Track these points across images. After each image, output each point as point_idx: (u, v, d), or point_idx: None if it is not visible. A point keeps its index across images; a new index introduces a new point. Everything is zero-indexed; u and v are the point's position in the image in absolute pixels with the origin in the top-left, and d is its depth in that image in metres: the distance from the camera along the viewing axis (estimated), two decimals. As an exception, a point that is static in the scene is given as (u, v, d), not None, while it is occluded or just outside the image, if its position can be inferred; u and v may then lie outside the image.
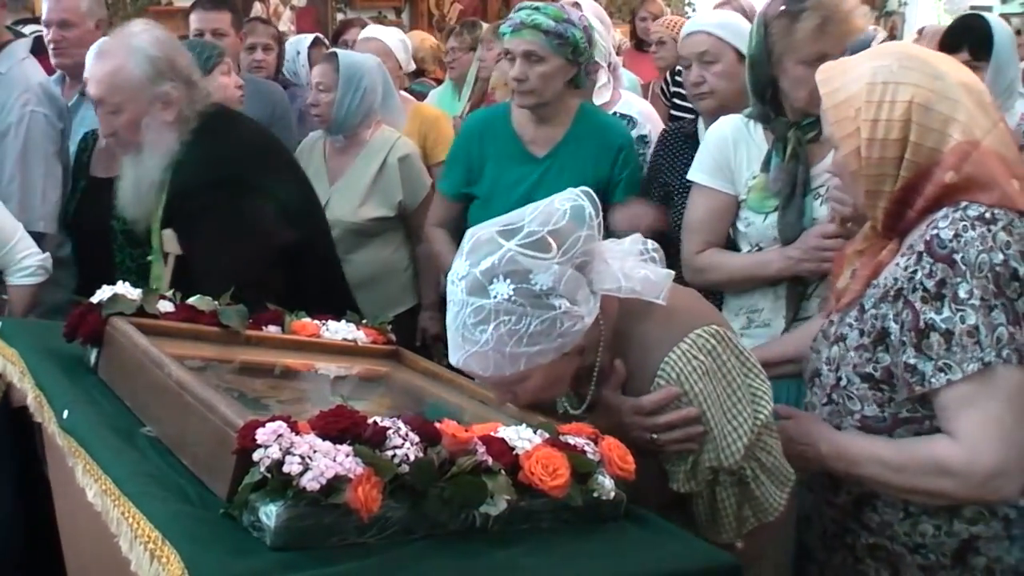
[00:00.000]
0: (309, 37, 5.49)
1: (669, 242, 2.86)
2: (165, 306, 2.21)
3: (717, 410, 1.87)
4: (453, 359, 1.83)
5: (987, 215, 1.83)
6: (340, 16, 8.84)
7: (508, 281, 1.74)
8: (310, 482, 1.43)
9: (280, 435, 1.47)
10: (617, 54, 4.37)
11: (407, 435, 1.54)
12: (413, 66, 5.00)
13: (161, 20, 7.35)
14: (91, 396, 2.00)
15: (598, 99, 3.67)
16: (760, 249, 2.73)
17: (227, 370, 2.11)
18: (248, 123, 3.10)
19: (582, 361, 1.90)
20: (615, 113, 3.64)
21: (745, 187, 2.75)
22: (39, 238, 3.30)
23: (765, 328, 2.71)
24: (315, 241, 3.01)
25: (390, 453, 1.51)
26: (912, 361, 1.85)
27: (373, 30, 4.83)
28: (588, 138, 3.23)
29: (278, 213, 2.75)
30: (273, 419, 1.50)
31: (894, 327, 1.88)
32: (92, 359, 2.13)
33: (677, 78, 4.31)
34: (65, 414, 1.91)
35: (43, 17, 3.75)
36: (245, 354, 2.21)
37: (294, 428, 1.50)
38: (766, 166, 2.71)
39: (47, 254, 3.14)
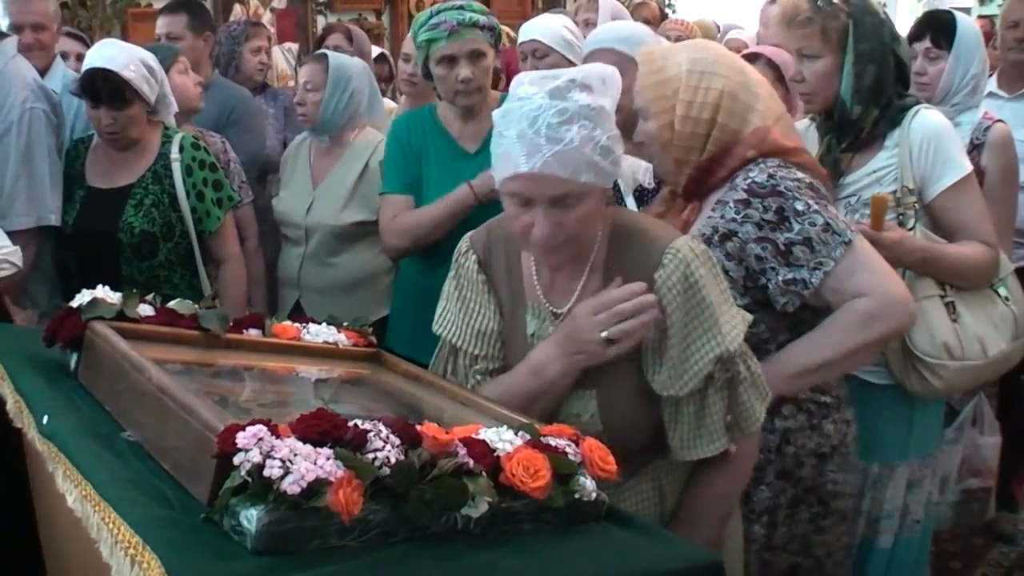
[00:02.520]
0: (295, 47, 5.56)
1: None
2: (145, 310, 2.21)
3: (718, 296, 1.98)
4: (528, 165, 1.85)
5: (782, 164, 2.28)
6: (320, 19, 8.82)
7: (584, 92, 1.87)
8: (291, 485, 1.43)
9: (260, 439, 1.47)
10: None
11: (388, 438, 1.54)
12: None
13: (140, 22, 7.38)
14: (71, 401, 1.99)
15: None
16: None
17: (207, 374, 2.11)
18: None
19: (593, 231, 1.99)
20: None
21: None
22: (47, 232, 3.30)
23: None
24: None
25: (371, 456, 1.51)
26: (789, 275, 2.24)
27: None
28: None
29: None
30: (253, 423, 1.50)
31: (729, 264, 2.26)
32: (72, 363, 2.12)
33: None
34: (45, 419, 1.90)
35: (9, 20, 3.75)
36: (225, 358, 2.20)
37: (274, 431, 1.50)
38: None
39: (16, 248, 3.11)
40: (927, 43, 3.56)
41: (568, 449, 1.71)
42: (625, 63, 2.90)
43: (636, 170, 2.05)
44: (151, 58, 3.32)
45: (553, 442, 1.72)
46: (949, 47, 3.53)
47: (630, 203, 2.86)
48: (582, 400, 2.04)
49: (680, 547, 1.74)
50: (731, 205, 2.28)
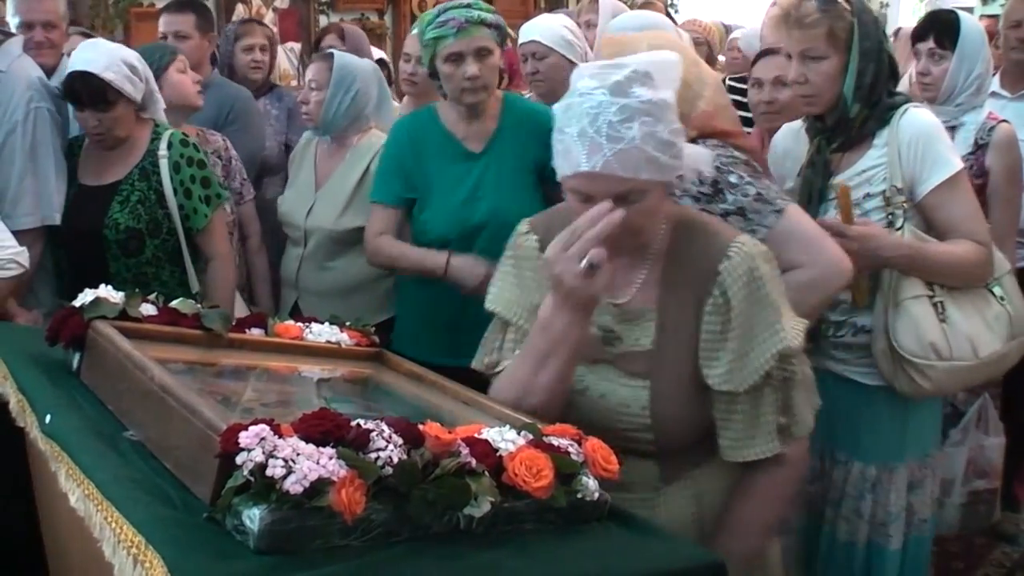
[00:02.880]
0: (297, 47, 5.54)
1: None
2: (148, 309, 2.21)
3: (779, 295, 2.00)
4: (589, 164, 1.84)
5: (720, 144, 2.42)
6: (323, 18, 8.82)
7: (645, 87, 1.85)
8: (293, 485, 1.43)
9: (263, 438, 1.47)
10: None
11: (390, 437, 1.54)
12: None
13: (142, 22, 7.37)
14: (74, 400, 1.99)
15: None
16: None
17: (210, 373, 2.11)
18: None
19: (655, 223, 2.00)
20: None
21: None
22: (49, 231, 3.30)
23: None
24: None
25: (373, 455, 1.51)
26: None
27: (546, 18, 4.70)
28: (519, 126, 3.21)
29: None
30: (256, 422, 1.50)
31: None
32: (75, 363, 2.13)
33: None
34: (48, 418, 1.90)
35: (20, 18, 3.75)
36: (228, 357, 2.20)
37: (277, 431, 1.50)
38: (803, 171, 2.81)
39: (23, 248, 3.11)
40: (931, 43, 3.56)
41: (571, 449, 1.71)
42: (545, 50, 3.02)
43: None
44: (134, 56, 3.31)
45: (555, 442, 1.71)
46: (953, 47, 3.52)
47: None
48: (633, 390, 2.01)
49: (682, 547, 1.74)
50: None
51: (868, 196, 2.73)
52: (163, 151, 3.29)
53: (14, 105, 3.30)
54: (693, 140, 2.32)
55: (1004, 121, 3.46)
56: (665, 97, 1.88)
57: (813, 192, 2.75)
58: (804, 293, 2.31)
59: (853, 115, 2.72)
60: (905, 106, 2.75)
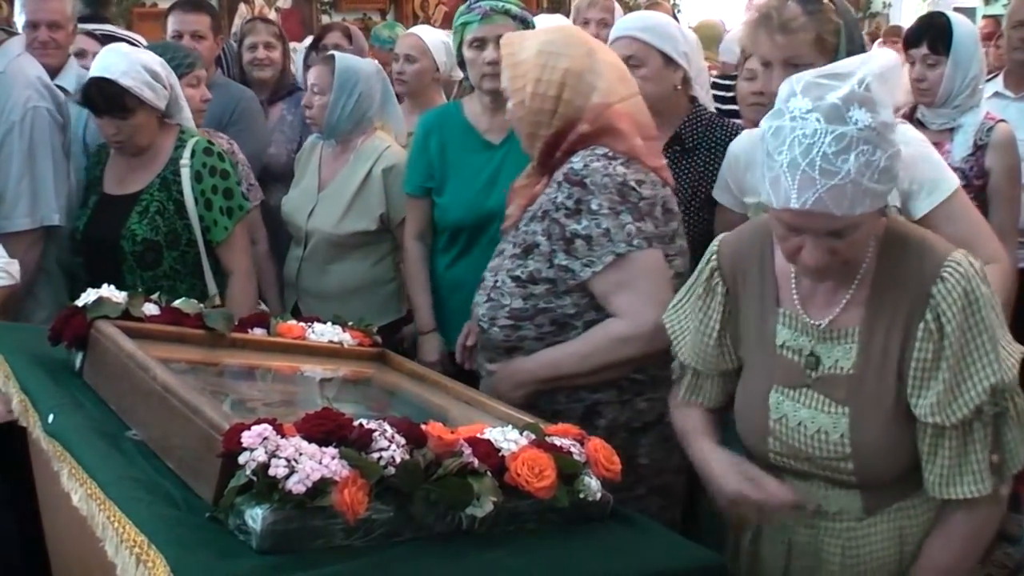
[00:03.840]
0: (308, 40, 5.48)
1: None
2: (150, 309, 2.21)
3: (996, 319, 1.82)
4: (799, 201, 1.70)
5: (610, 154, 2.33)
6: (325, 18, 8.82)
7: (864, 109, 1.71)
8: (296, 485, 1.43)
9: (266, 438, 1.47)
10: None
11: (393, 437, 1.54)
12: (459, 71, 4.77)
13: (145, 21, 7.38)
14: (76, 400, 1.99)
15: None
16: None
17: (212, 373, 2.11)
18: None
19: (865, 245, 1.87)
20: None
21: (751, 205, 2.60)
22: (53, 232, 3.27)
23: None
24: None
25: (376, 455, 1.51)
26: (564, 263, 2.32)
27: (418, 28, 4.70)
28: None
29: None
30: (259, 422, 1.50)
31: (542, 240, 2.35)
32: (77, 363, 2.13)
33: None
34: (50, 418, 1.90)
35: (26, 17, 3.74)
36: (230, 357, 2.21)
37: (280, 431, 1.50)
38: None
39: (13, 260, 3.08)
40: (924, 49, 3.55)
41: (573, 449, 1.71)
42: (647, 52, 2.96)
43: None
44: (157, 62, 3.23)
45: (558, 442, 1.72)
46: (947, 51, 3.52)
47: None
48: (833, 416, 1.88)
49: (685, 547, 1.74)
50: (554, 185, 2.38)
51: None
52: (185, 160, 3.19)
53: (11, 106, 3.27)
54: (588, 135, 2.37)
55: (1002, 121, 3.45)
56: (885, 119, 1.72)
57: None
58: (615, 346, 2.30)
59: None
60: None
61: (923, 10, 10.62)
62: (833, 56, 2.38)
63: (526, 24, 3.25)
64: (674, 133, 3.02)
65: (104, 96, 3.12)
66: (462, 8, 3.28)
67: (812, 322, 1.92)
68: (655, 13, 3.42)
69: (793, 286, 1.95)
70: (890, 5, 11.66)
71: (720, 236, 2.10)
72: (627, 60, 2.91)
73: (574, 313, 2.35)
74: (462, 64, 3.26)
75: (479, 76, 3.17)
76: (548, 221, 2.35)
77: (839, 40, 2.43)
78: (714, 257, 2.05)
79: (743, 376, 2.03)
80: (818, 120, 1.70)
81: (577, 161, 2.34)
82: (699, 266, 2.09)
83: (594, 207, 2.30)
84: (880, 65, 1.76)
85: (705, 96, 3.20)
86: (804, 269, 1.85)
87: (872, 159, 1.70)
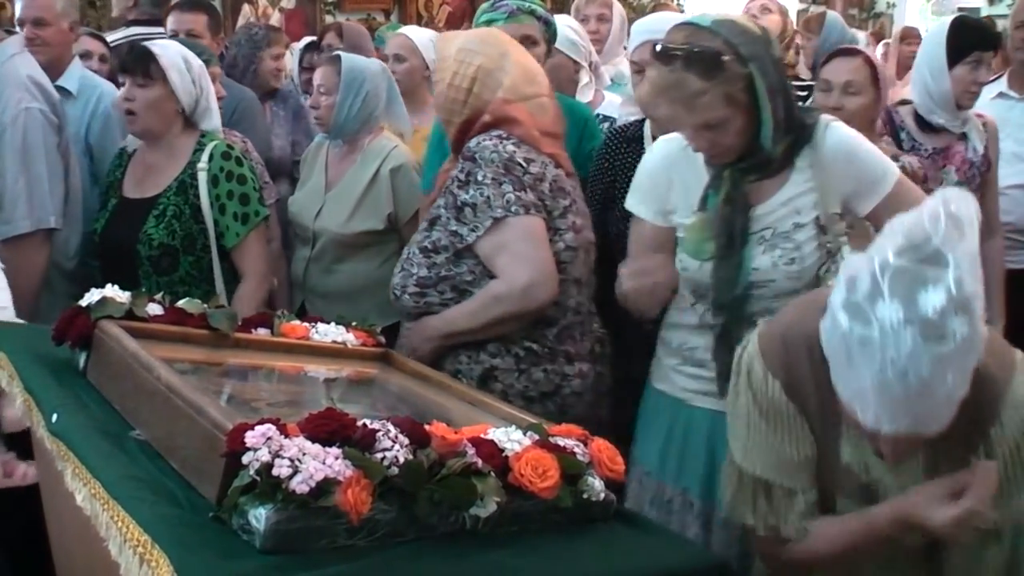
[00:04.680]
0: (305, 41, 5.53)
1: (612, 246, 2.84)
2: (154, 309, 2.21)
3: None
4: (892, 427, 1.57)
5: (503, 135, 2.60)
6: (329, 18, 8.83)
7: (962, 316, 1.51)
8: (299, 485, 1.43)
9: (269, 438, 1.47)
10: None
11: (397, 437, 1.54)
12: None
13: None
14: (80, 400, 1.99)
15: (581, 99, 3.68)
16: (699, 297, 2.43)
17: (216, 373, 2.11)
18: None
19: None
20: (597, 115, 3.65)
21: (681, 225, 2.44)
22: (51, 235, 3.25)
23: (699, 368, 2.45)
24: None
25: (380, 455, 1.51)
26: (454, 228, 2.56)
27: (407, 28, 4.74)
28: None
29: None
30: (262, 422, 1.50)
31: (443, 211, 2.61)
32: (81, 363, 2.13)
33: None
34: (54, 418, 1.90)
35: (18, 15, 3.74)
36: (234, 357, 2.21)
37: (283, 431, 1.50)
38: (704, 204, 2.39)
39: (4, 288, 2.99)
40: (992, 54, 3.62)
41: (576, 449, 1.71)
42: None
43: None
44: (198, 64, 3.23)
45: (562, 442, 1.71)
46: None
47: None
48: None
49: (688, 547, 1.74)
50: (457, 164, 2.66)
51: (798, 227, 2.35)
52: (203, 163, 3.15)
53: (1, 107, 3.23)
54: (489, 123, 2.62)
55: (979, 114, 3.67)
56: (978, 312, 1.54)
57: (735, 233, 2.34)
58: (494, 304, 2.52)
59: (775, 153, 2.34)
60: (824, 121, 2.41)
61: (927, 11, 10.62)
62: (753, 101, 2.26)
63: (549, 25, 3.30)
64: None
65: (134, 55, 3.16)
66: (485, 6, 3.34)
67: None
68: (673, 14, 3.45)
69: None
70: (894, 5, 11.66)
71: (757, 346, 1.90)
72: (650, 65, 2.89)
73: (471, 280, 2.57)
74: None
75: None
76: (447, 194, 2.63)
77: (754, 89, 2.25)
78: (769, 378, 1.86)
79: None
80: (914, 337, 1.50)
81: (473, 141, 2.62)
82: (754, 387, 1.88)
83: (479, 178, 2.55)
84: (963, 252, 1.55)
85: None
86: (886, 459, 1.73)
87: (966, 366, 1.55)
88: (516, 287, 2.50)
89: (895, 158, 3.14)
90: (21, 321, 2.80)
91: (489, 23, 3.25)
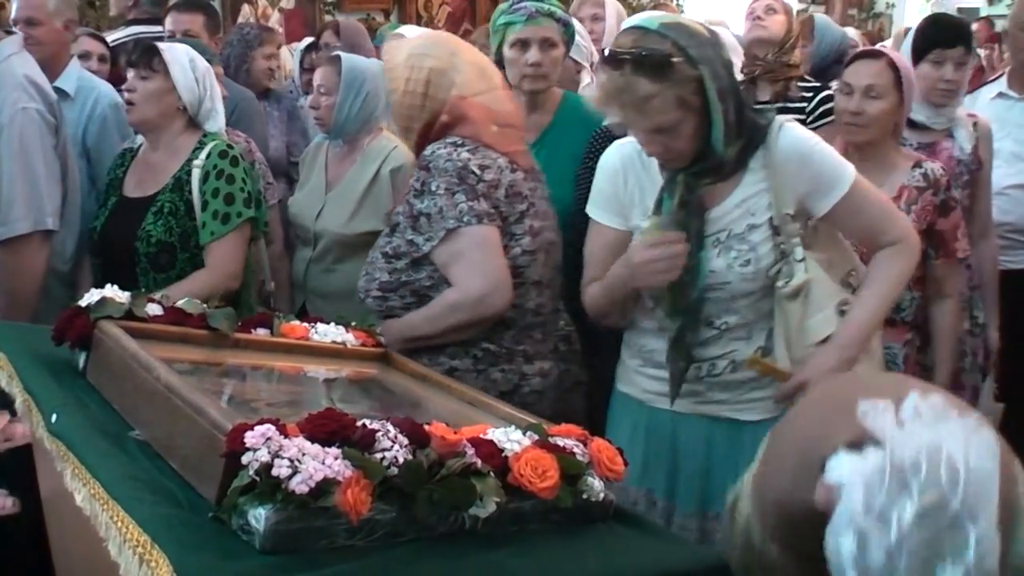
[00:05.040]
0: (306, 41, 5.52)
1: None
2: (153, 309, 2.21)
3: None
4: None
5: (457, 142, 2.59)
6: (328, 18, 8.83)
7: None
8: (299, 485, 1.43)
9: (269, 438, 1.47)
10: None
11: (396, 437, 1.54)
12: None
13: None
14: (80, 400, 1.99)
15: None
16: (657, 300, 2.45)
17: (216, 373, 2.11)
18: None
19: None
20: None
21: (637, 228, 2.47)
22: (48, 236, 3.23)
23: (660, 369, 2.48)
24: None
25: (379, 455, 1.51)
26: (411, 237, 2.57)
27: (404, 27, 4.72)
28: (572, 123, 3.29)
29: None
30: (262, 422, 1.50)
31: (402, 219, 2.62)
32: (81, 363, 2.13)
33: None
34: (54, 418, 1.91)
35: (12, 16, 3.72)
36: (234, 357, 2.21)
37: (283, 431, 1.50)
38: (658, 208, 2.40)
39: None
40: (961, 51, 3.57)
41: (576, 449, 1.71)
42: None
43: None
44: (204, 66, 3.23)
45: (561, 442, 1.71)
46: (970, 53, 3.61)
47: None
48: None
49: (687, 548, 1.74)
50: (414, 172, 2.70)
51: (752, 228, 2.36)
52: (199, 160, 3.15)
53: None
54: (447, 125, 2.63)
55: (971, 114, 3.68)
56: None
57: (691, 237, 2.34)
58: (450, 312, 2.53)
59: (728, 156, 2.33)
60: (778, 122, 2.38)
61: (927, 11, 10.61)
62: (704, 104, 2.25)
63: (567, 27, 3.33)
64: None
65: (139, 48, 3.19)
66: (503, 7, 3.35)
67: None
68: (667, 15, 3.39)
69: None
70: (893, 6, 11.67)
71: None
72: None
73: (430, 285, 2.57)
74: (499, 64, 3.29)
75: (519, 76, 3.24)
76: (405, 203, 2.66)
77: (705, 90, 2.24)
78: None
79: None
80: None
81: (428, 150, 2.62)
82: None
83: (434, 188, 2.56)
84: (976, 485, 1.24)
85: None
86: None
87: None
88: (470, 296, 2.52)
89: (918, 164, 3.14)
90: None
91: (508, 25, 3.27)
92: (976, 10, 10.32)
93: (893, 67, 3.20)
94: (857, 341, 2.40)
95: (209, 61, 3.51)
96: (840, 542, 1.23)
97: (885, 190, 3.08)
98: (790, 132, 2.38)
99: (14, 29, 3.60)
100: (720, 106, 2.26)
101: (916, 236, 2.52)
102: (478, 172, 2.56)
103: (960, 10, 9.21)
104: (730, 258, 2.35)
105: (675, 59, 2.21)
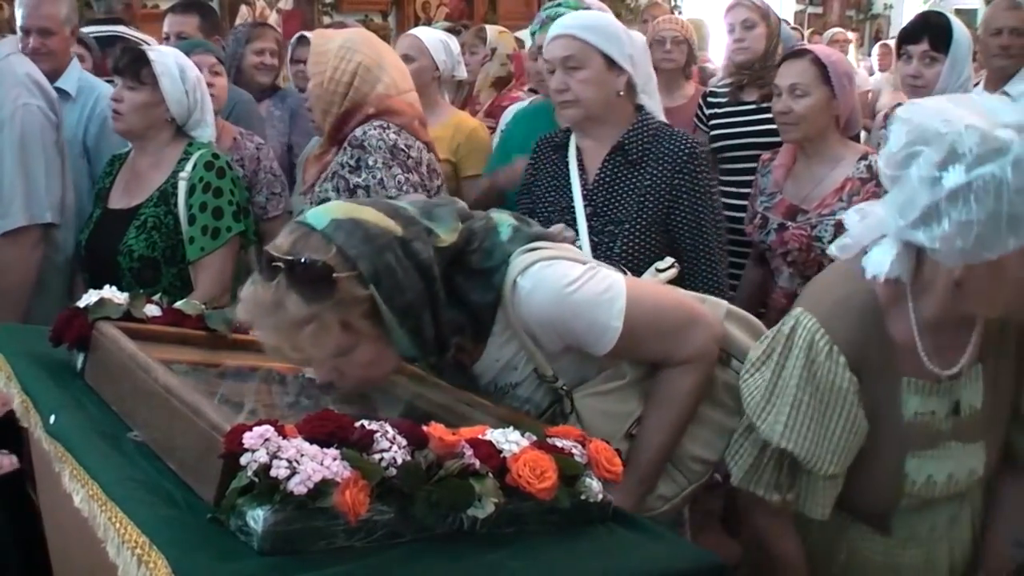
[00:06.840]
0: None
1: None
2: (152, 310, 2.21)
3: None
4: (997, 251, 1.64)
5: (384, 125, 3.02)
6: (326, 19, 8.84)
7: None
8: (297, 486, 1.43)
9: (267, 439, 1.47)
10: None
11: (394, 438, 1.54)
12: (463, 71, 4.62)
13: (146, 23, 7.37)
14: (78, 401, 1.99)
15: None
16: None
17: (214, 374, 2.11)
18: None
19: None
20: None
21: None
22: (48, 229, 3.25)
23: None
24: None
25: (377, 456, 1.51)
26: None
27: (418, 29, 4.70)
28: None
29: None
30: (260, 423, 1.50)
31: (332, 195, 2.94)
32: (79, 364, 2.13)
33: (710, 99, 4.28)
34: (52, 419, 1.90)
35: (20, 24, 3.71)
36: (232, 358, 2.20)
37: (281, 432, 1.50)
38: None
39: None
40: (924, 45, 3.57)
41: (574, 450, 1.71)
42: (587, 53, 2.81)
43: None
44: (195, 75, 3.20)
45: (559, 443, 1.71)
46: (946, 50, 3.56)
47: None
48: (974, 455, 2.02)
49: (684, 548, 1.74)
50: (343, 151, 3.03)
51: (517, 384, 2.11)
52: (185, 172, 3.10)
53: None
54: (372, 116, 3.01)
55: None
56: None
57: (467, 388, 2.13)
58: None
59: (442, 359, 2.06)
60: (509, 282, 1.98)
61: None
62: (381, 326, 1.87)
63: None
64: (616, 142, 2.85)
65: (127, 56, 3.13)
66: (549, 6, 3.65)
67: (943, 373, 1.92)
68: (598, 13, 3.24)
69: (919, 346, 1.89)
70: (891, 7, 11.68)
71: (815, 321, 1.89)
72: (565, 61, 2.81)
73: None
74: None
75: (537, 79, 3.67)
76: (336, 179, 2.99)
77: (375, 309, 1.85)
78: (835, 352, 1.88)
79: (863, 456, 1.96)
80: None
81: (359, 131, 3.00)
82: (816, 362, 1.89)
83: (371, 163, 2.96)
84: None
85: (654, 105, 2.96)
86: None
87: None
88: None
89: (864, 157, 3.18)
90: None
91: (534, 34, 3.64)
92: (974, 11, 10.33)
93: (818, 63, 3.22)
94: (651, 476, 2.13)
95: (208, 52, 3.53)
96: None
97: (829, 183, 3.17)
98: (530, 299, 1.98)
99: (15, 30, 3.60)
100: (401, 328, 1.87)
101: (711, 350, 2.11)
102: (405, 149, 3.01)
103: (957, 11, 9.22)
104: (512, 405, 2.10)
105: (339, 274, 1.79)
